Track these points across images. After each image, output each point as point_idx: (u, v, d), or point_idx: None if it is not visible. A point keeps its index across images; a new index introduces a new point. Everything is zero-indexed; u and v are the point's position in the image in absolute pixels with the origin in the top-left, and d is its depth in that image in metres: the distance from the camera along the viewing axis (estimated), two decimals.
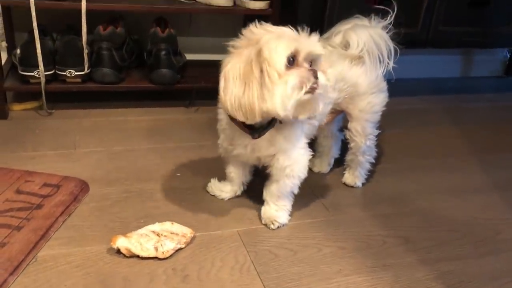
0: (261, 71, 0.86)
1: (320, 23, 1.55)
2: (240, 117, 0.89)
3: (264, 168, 1.08)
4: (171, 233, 0.98)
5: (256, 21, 0.94)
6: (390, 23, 1.15)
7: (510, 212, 1.24)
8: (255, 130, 0.95)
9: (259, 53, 0.86)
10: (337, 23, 1.17)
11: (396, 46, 1.16)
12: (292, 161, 1.03)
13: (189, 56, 1.79)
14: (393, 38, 1.16)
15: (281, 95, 0.86)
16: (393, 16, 1.13)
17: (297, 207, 1.14)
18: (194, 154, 1.37)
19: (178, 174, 1.26)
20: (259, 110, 0.87)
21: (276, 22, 1.56)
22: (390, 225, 1.14)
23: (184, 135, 1.48)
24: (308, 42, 0.91)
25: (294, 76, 0.88)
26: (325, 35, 1.18)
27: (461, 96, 2.13)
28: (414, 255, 1.04)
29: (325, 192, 1.25)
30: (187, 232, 1.00)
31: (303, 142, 1.05)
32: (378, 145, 1.30)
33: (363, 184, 1.29)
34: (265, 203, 1.10)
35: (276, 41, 0.87)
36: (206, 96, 1.70)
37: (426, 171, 1.42)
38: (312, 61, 0.93)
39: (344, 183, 1.29)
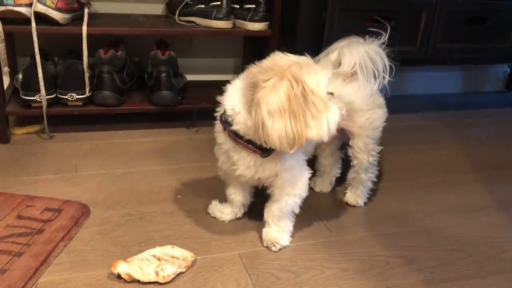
0: (306, 101, 0.89)
1: (318, 44, 1.56)
2: (286, 149, 0.90)
3: (264, 189, 1.08)
4: (171, 257, 0.97)
5: (275, 51, 0.96)
6: (384, 43, 1.16)
7: None
8: (265, 150, 0.96)
9: (303, 86, 0.88)
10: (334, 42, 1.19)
11: (391, 63, 1.17)
12: (293, 179, 1.03)
13: (190, 77, 1.81)
14: (389, 56, 1.17)
15: (328, 121, 0.91)
16: (387, 36, 1.14)
17: (298, 228, 1.13)
18: (195, 175, 1.37)
19: (179, 196, 1.25)
20: (305, 139, 0.90)
21: (275, 43, 1.59)
22: (393, 245, 1.13)
23: (185, 156, 1.49)
24: (328, 67, 0.95)
25: (335, 102, 0.93)
26: (321, 54, 1.19)
27: (462, 112, 2.13)
28: (418, 275, 1.03)
29: (327, 212, 1.24)
30: (188, 255, 0.99)
31: (302, 160, 1.06)
32: (379, 163, 1.30)
33: (365, 203, 1.29)
34: (266, 224, 1.09)
35: (315, 71, 0.91)
36: (207, 116, 1.69)
37: (428, 189, 1.41)
38: None
39: (346, 203, 1.29)
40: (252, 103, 0.91)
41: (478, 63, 2.19)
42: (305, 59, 0.95)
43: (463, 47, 1.74)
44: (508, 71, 2.42)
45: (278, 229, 1.08)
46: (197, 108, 1.64)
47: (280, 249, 1.07)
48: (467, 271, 1.05)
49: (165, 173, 1.37)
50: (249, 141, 0.96)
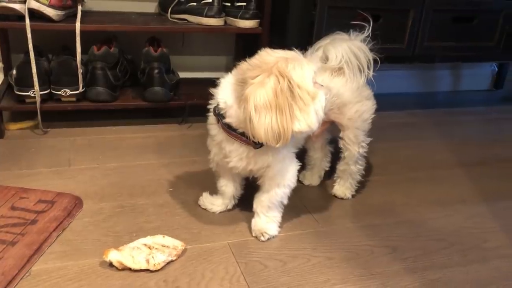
0: (292, 95, 0.92)
1: (308, 41, 1.59)
2: (272, 142, 0.93)
3: (255, 181, 1.11)
4: (162, 246, 1.00)
5: (264, 48, 0.99)
6: (368, 36, 1.20)
7: (496, 221, 1.26)
8: (257, 142, 0.98)
9: (288, 80, 0.92)
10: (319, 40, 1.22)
11: (376, 57, 1.21)
12: (283, 171, 1.07)
13: (182, 74, 1.83)
14: (374, 50, 1.21)
15: (315, 112, 0.94)
16: (370, 29, 1.18)
17: (287, 219, 1.17)
18: (186, 169, 1.40)
19: (171, 189, 1.28)
20: (292, 133, 0.93)
21: (266, 41, 1.62)
22: (378, 235, 1.16)
23: (177, 151, 1.51)
24: (314, 60, 0.99)
25: (321, 93, 0.95)
26: (308, 52, 1.22)
27: (450, 110, 2.17)
28: (401, 264, 1.06)
29: (315, 204, 1.27)
30: (178, 244, 1.02)
31: (292, 152, 1.09)
32: (367, 158, 1.33)
33: (352, 196, 1.32)
34: (255, 215, 1.12)
35: (300, 65, 0.94)
36: (199, 112, 1.72)
37: (415, 183, 1.45)
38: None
39: (334, 195, 1.32)
40: (241, 99, 0.94)
41: (465, 61, 2.23)
42: (292, 54, 0.98)
43: (450, 46, 1.78)
44: (496, 69, 2.46)
45: (267, 219, 1.11)
46: (189, 104, 1.67)
47: (268, 239, 1.10)
48: (449, 260, 1.09)
49: (157, 167, 1.40)
50: (242, 133, 0.99)
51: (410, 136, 1.83)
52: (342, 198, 1.31)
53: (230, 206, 1.20)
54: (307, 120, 0.93)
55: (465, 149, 1.74)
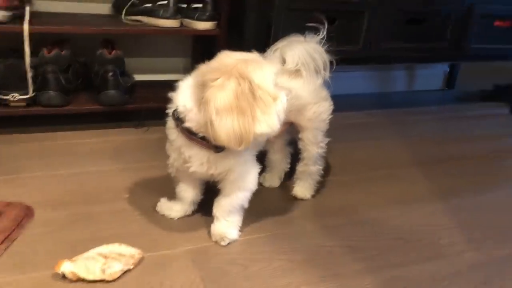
0: (253, 97, 0.91)
1: (266, 43, 1.58)
2: (234, 145, 0.92)
3: (214, 184, 1.09)
4: (118, 254, 0.97)
5: (223, 50, 0.99)
6: (323, 38, 1.21)
7: (451, 218, 1.30)
8: (218, 146, 0.97)
9: (249, 82, 0.91)
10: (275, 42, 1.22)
11: (332, 59, 1.22)
12: (244, 174, 1.05)
13: (138, 77, 1.79)
14: (330, 52, 1.22)
15: (277, 114, 0.93)
16: (325, 31, 1.20)
17: (247, 223, 1.15)
18: (144, 174, 1.36)
19: (128, 196, 1.25)
20: (254, 135, 0.92)
21: (224, 42, 1.60)
22: (338, 235, 1.17)
23: (134, 156, 1.47)
24: (275, 61, 0.99)
25: (282, 94, 0.95)
26: (266, 53, 1.22)
27: (406, 110, 2.22)
28: (361, 263, 1.07)
29: (275, 206, 1.27)
30: (135, 253, 0.99)
31: (252, 154, 1.08)
32: (327, 159, 1.34)
33: (312, 196, 1.32)
34: (215, 219, 1.10)
35: (261, 67, 0.94)
36: (156, 116, 1.69)
37: (373, 182, 1.47)
38: None
39: (294, 196, 1.32)
40: (201, 102, 0.92)
41: (419, 62, 2.30)
42: (252, 56, 0.98)
43: (405, 47, 1.82)
44: (448, 70, 2.54)
45: (227, 223, 1.09)
46: (146, 108, 1.63)
47: (229, 243, 1.09)
48: (406, 258, 1.11)
49: (113, 173, 1.35)
50: (203, 138, 0.97)
51: (368, 136, 1.86)
52: (302, 199, 1.31)
53: (189, 212, 1.18)
54: (268, 122, 0.93)
55: (421, 147, 1.79)
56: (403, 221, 1.27)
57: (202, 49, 1.89)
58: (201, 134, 0.97)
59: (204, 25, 1.57)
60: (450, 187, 1.48)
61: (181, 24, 1.61)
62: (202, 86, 0.93)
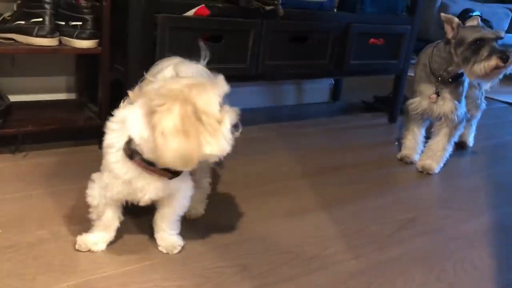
0: (199, 121, 0.94)
1: (151, 62, 1.56)
2: (179, 167, 0.96)
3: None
4: None
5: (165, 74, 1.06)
6: (206, 57, 1.23)
7: (336, 227, 1.37)
8: (172, 172, 1.01)
9: (194, 106, 0.93)
10: (159, 61, 1.21)
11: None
12: (186, 188, 1.12)
13: (14, 98, 1.66)
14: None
15: (225, 137, 0.96)
16: (206, 58, 1.21)
17: (134, 251, 1.12)
18: (21, 205, 1.26)
19: (0, 231, 1.14)
20: (200, 157, 0.94)
21: (107, 61, 1.55)
22: (229, 255, 1.17)
23: (9, 185, 1.36)
24: (221, 83, 1.00)
25: (229, 118, 0.98)
26: (152, 71, 1.20)
27: (296, 123, 2.32)
28: (251, 281, 1.08)
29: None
30: None
31: None
32: (217, 175, 1.34)
33: (204, 214, 1.32)
34: (160, 232, 1.14)
35: (205, 90, 0.96)
36: (35, 140, 1.59)
37: (264, 196, 1.50)
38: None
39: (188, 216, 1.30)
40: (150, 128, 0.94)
41: (303, 78, 2.42)
42: (198, 80, 1.00)
43: (289, 64, 1.90)
44: (333, 83, 2.70)
45: (173, 232, 1.15)
46: (23, 132, 1.52)
47: (180, 251, 1.14)
48: (295, 271, 1.14)
49: None
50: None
51: (261, 150, 1.90)
52: (196, 218, 1.30)
53: (112, 237, 1.13)
54: (218, 144, 0.96)
55: (309, 159, 1.87)
56: (292, 234, 1.31)
57: (86, 66, 1.81)
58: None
59: (84, 44, 1.50)
60: (335, 197, 1.57)
61: (60, 42, 1.52)
62: (152, 113, 0.94)
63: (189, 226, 1.28)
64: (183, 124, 0.92)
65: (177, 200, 1.11)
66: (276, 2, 1.68)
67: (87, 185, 1.08)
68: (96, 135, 1.65)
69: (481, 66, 1.62)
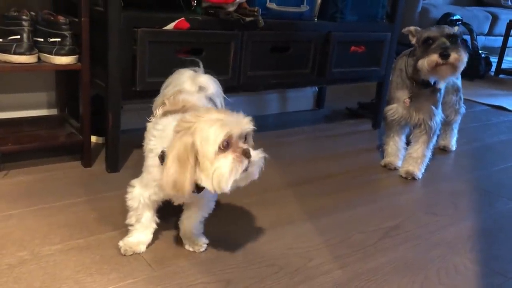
0: (196, 158, 0.98)
1: (132, 76, 1.56)
2: (171, 192, 1.01)
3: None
4: None
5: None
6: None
7: (320, 238, 1.37)
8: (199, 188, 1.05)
9: (192, 143, 0.98)
10: (171, 75, 1.28)
11: None
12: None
13: None
14: None
15: (217, 179, 0.98)
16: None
17: (117, 269, 1.11)
18: (1, 226, 1.24)
19: None
20: (189, 190, 0.99)
21: (87, 76, 1.54)
22: (213, 270, 1.17)
23: None
24: (239, 122, 1.02)
25: (227, 163, 0.98)
26: (167, 84, 1.27)
27: (280, 132, 2.32)
28: None
29: (148, 247, 1.23)
30: None
31: None
32: None
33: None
34: (186, 232, 1.23)
35: (207, 131, 0.98)
36: (16, 158, 1.57)
37: (247, 208, 1.50)
38: (246, 136, 1.04)
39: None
40: None
41: (286, 88, 2.42)
42: (217, 116, 1.01)
43: (271, 74, 1.91)
44: (317, 91, 2.72)
45: (198, 232, 1.25)
46: (3, 150, 1.50)
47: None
48: (279, 284, 1.14)
49: None
50: None
51: None
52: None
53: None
54: (209, 181, 0.98)
55: (292, 169, 1.87)
56: (276, 246, 1.31)
57: (66, 82, 1.80)
58: None
59: (64, 60, 1.49)
60: (319, 206, 1.57)
61: (39, 59, 1.51)
62: (176, 133, 1.02)
63: (172, 242, 1.27)
64: (181, 155, 0.98)
65: (204, 203, 1.20)
66: (256, 13, 1.69)
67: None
68: (77, 151, 1.64)
69: (424, 62, 1.67)
